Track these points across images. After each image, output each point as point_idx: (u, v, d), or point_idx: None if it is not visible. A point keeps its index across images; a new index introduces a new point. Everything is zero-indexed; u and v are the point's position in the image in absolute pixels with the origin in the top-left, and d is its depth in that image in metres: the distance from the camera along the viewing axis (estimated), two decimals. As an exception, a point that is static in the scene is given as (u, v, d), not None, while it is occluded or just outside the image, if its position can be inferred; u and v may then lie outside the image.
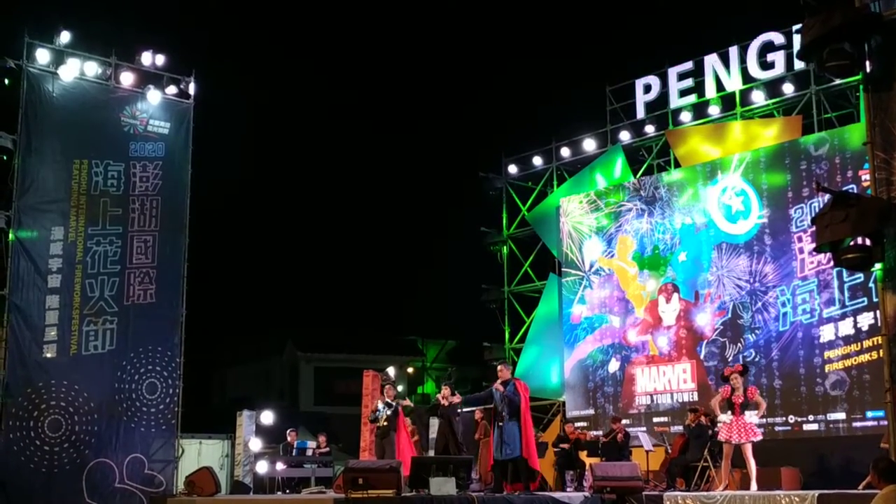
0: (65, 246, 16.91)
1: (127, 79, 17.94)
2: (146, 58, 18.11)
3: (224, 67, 45.13)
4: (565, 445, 17.86)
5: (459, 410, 16.03)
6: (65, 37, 17.31)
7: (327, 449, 19.09)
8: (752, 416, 14.34)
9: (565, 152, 23.61)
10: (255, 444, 19.63)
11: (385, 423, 15.55)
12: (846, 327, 17.34)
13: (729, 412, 14.40)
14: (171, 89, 18.35)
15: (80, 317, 16.87)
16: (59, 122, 17.19)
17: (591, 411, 21.33)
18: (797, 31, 17.94)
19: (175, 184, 18.19)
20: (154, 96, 18.06)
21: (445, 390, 15.85)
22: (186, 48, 26.51)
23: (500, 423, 14.39)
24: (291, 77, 51.98)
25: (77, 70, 17.41)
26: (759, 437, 14.41)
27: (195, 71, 18.59)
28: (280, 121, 51.11)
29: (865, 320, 16.99)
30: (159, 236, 17.80)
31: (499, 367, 15.02)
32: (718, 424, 14.81)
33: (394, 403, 15.68)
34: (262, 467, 18.51)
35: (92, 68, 17.62)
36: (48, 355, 16.54)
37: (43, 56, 17.08)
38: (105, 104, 17.77)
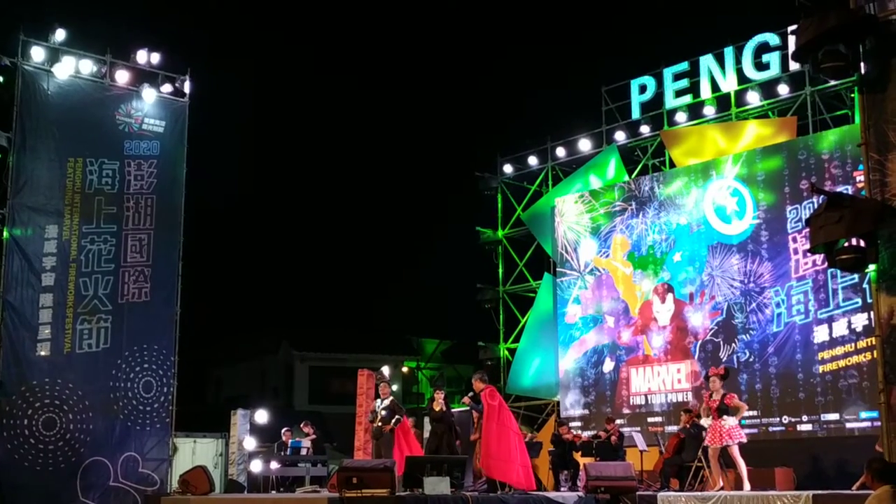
0: (59, 244, 16.87)
1: (122, 77, 17.91)
2: (141, 56, 18.09)
3: (220, 66, 45.11)
4: (565, 442, 17.87)
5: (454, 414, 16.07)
6: (60, 34, 17.27)
7: (315, 436, 19.00)
8: (731, 420, 14.34)
9: (561, 152, 23.60)
10: (250, 443, 19.60)
11: (380, 424, 15.49)
12: (840, 328, 17.34)
13: (709, 417, 14.48)
14: (167, 88, 18.33)
15: (74, 315, 16.84)
16: (53, 120, 17.14)
17: (586, 411, 21.33)
18: (792, 33, 17.85)
19: (170, 182, 18.16)
20: (149, 95, 18.04)
21: (439, 395, 15.85)
22: (182, 47, 26.54)
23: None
24: (288, 77, 52.02)
25: (72, 68, 17.37)
26: (737, 440, 14.26)
27: (190, 69, 18.59)
28: (276, 121, 51.11)
29: (860, 321, 16.99)
30: (154, 235, 17.77)
31: (473, 380, 15.15)
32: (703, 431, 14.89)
33: (389, 403, 15.62)
34: (256, 466, 18.51)
35: (87, 66, 17.58)
36: (42, 353, 16.50)
37: (38, 54, 17.05)
38: (100, 102, 17.73)
